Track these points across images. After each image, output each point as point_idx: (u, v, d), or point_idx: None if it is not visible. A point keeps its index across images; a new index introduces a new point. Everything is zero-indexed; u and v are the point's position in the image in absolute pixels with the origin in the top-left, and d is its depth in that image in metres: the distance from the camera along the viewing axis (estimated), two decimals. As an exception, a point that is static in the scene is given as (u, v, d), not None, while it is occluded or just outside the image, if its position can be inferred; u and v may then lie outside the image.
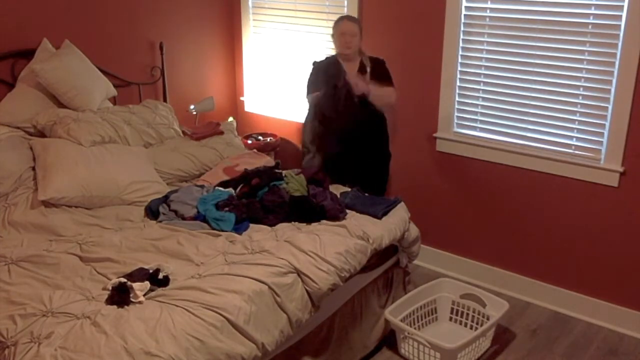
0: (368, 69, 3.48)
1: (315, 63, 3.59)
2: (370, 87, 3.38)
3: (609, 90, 3.08)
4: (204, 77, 4.53)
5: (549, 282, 3.52)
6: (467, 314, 3.19)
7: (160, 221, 2.88)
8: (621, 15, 2.96)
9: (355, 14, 3.85)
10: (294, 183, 3.07)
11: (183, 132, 3.83)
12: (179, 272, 2.40)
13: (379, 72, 3.50)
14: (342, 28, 3.46)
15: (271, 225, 2.84)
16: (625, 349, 3.16)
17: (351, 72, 3.43)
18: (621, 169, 3.12)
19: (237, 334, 2.18)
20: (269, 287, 2.34)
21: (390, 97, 3.51)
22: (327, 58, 3.61)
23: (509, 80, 3.39)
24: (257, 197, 3.01)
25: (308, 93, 3.59)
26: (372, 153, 3.58)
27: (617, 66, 3.02)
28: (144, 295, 2.21)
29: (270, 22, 4.40)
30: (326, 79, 3.46)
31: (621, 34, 2.98)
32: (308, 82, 3.60)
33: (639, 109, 3.01)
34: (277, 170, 3.28)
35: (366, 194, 3.20)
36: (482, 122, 3.55)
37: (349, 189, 3.23)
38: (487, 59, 3.44)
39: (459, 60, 3.53)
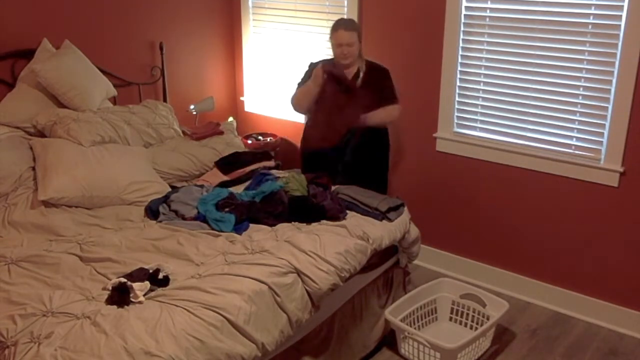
0: (361, 75, 3.38)
1: (311, 64, 3.53)
2: (368, 116, 3.30)
3: (609, 90, 3.08)
4: (204, 77, 4.53)
5: (549, 282, 3.52)
6: (467, 314, 3.19)
7: (160, 221, 2.88)
8: (621, 15, 2.96)
9: (355, 14, 3.83)
10: (294, 183, 3.06)
11: (183, 132, 3.84)
12: (179, 272, 2.40)
13: (376, 82, 3.38)
14: (338, 39, 3.29)
15: (271, 225, 2.84)
16: (625, 349, 3.16)
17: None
18: (621, 169, 3.12)
19: (237, 334, 2.18)
20: (269, 287, 2.35)
21: (391, 116, 3.42)
22: (322, 61, 3.48)
23: (509, 80, 3.39)
24: (257, 196, 3.03)
25: (297, 89, 3.54)
26: (369, 163, 3.51)
27: (617, 66, 3.02)
28: (144, 295, 2.22)
29: (270, 22, 4.39)
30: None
31: (621, 34, 2.97)
32: (300, 80, 3.53)
33: (639, 109, 3.01)
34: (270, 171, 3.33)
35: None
36: (482, 122, 3.55)
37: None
38: (487, 59, 3.43)
39: (459, 60, 3.52)
